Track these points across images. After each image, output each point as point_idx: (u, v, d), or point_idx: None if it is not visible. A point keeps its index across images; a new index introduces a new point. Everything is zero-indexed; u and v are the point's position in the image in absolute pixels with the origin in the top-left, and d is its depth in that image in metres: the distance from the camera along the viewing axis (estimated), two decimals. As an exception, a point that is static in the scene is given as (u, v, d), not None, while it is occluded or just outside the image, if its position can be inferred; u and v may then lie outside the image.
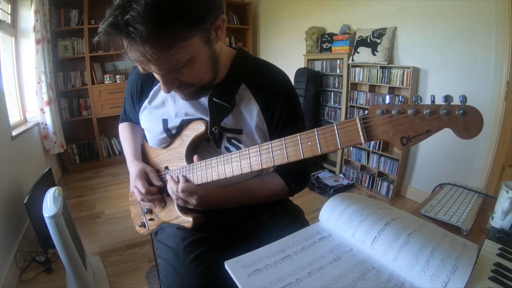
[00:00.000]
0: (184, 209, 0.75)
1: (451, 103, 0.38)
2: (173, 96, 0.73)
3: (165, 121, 0.75)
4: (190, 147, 0.73)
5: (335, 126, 0.45)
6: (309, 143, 0.48)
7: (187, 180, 0.68)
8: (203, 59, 0.58)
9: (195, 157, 0.67)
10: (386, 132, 0.41)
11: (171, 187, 0.69)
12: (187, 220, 0.73)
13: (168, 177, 0.71)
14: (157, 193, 0.77)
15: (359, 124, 0.43)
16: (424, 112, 0.39)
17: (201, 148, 0.76)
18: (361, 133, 0.43)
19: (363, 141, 0.43)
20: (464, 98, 0.37)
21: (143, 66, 0.54)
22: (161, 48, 0.49)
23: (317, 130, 0.48)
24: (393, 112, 0.41)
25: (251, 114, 0.71)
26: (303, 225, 0.69)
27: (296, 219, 0.79)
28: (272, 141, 0.53)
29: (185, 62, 0.54)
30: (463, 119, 0.37)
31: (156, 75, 0.58)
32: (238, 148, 0.73)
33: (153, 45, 0.48)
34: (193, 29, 0.51)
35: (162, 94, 0.75)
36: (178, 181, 0.68)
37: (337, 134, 0.45)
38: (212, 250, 0.69)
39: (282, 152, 0.52)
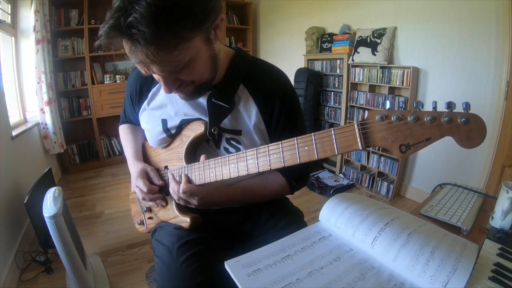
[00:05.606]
0: (182, 209, 0.75)
1: (454, 110, 0.37)
2: (172, 97, 0.73)
3: (164, 121, 0.76)
4: (189, 148, 0.73)
5: (332, 131, 0.45)
6: (306, 148, 0.48)
7: (189, 180, 0.68)
8: (203, 58, 0.58)
9: (202, 156, 0.67)
10: (385, 139, 0.40)
11: (172, 187, 0.69)
12: (184, 220, 0.73)
13: (169, 177, 0.71)
14: (159, 192, 0.77)
15: (357, 130, 0.42)
16: (425, 119, 0.37)
17: (200, 148, 0.76)
18: (358, 139, 0.42)
19: (360, 148, 0.42)
20: (467, 105, 0.36)
21: (145, 69, 0.54)
22: (165, 49, 0.49)
23: (314, 135, 0.47)
24: (392, 118, 0.39)
25: (250, 114, 0.71)
26: (299, 228, 0.67)
27: (293, 222, 0.79)
28: (269, 145, 0.53)
29: (186, 62, 0.54)
30: (465, 128, 0.35)
31: (157, 77, 0.59)
32: (237, 149, 0.73)
33: (157, 47, 0.48)
34: (195, 29, 0.51)
35: (161, 95, 0.75)
36: (180, 181, 0.68)
37: (334, 140, 0.45)
38: (206, 251, 0.69)
39: (279, 156, 0.52)
